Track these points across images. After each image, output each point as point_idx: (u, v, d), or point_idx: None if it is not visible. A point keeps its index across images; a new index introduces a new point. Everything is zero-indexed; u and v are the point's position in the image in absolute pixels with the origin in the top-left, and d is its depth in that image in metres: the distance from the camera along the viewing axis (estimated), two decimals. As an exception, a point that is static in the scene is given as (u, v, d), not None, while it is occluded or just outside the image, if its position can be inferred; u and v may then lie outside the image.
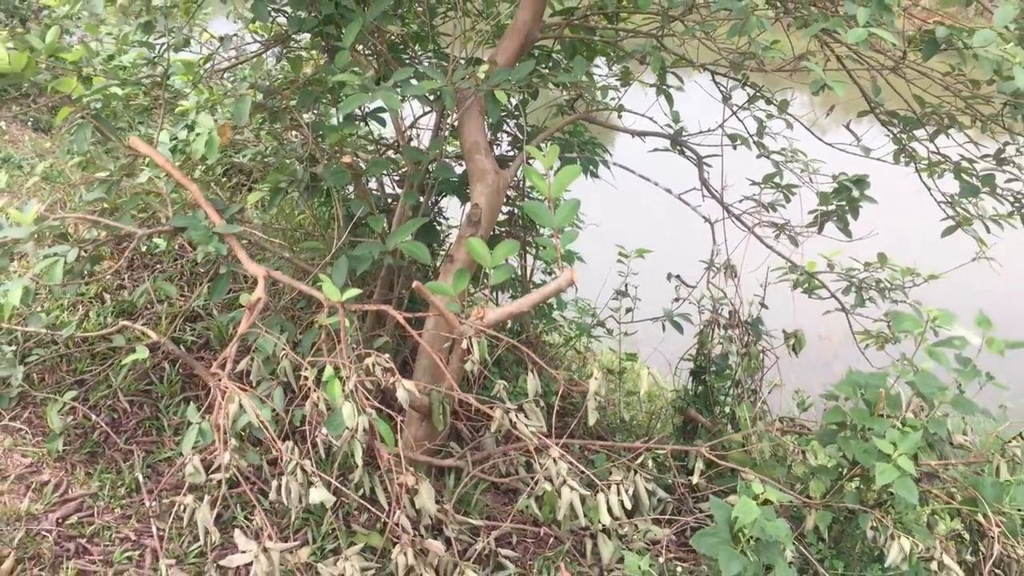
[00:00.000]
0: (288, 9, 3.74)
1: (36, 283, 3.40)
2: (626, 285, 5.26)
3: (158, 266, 4.93)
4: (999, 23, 3.04)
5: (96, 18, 3.83)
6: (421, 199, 4.19)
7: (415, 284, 3.04)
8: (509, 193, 4.61)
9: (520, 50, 3.81)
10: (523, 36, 3.78)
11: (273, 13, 3.73)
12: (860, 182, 4.65)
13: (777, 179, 4.79)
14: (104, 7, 3.44)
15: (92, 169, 4.15)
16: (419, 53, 4.39)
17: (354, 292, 3.02)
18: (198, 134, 3.53)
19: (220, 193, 5.16)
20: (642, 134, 4.67)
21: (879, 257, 4.80)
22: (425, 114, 4.71)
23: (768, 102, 4.64)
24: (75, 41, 6.50)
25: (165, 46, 3.96)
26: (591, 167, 4.67)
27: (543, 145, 4.09)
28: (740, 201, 4.85)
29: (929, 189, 4.51)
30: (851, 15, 3.13)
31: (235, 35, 4.42)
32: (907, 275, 4.75)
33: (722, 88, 4.73)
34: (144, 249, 4.94)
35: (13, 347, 3.96)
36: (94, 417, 3.92)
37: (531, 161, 3.95)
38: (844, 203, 4.68)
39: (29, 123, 8.10)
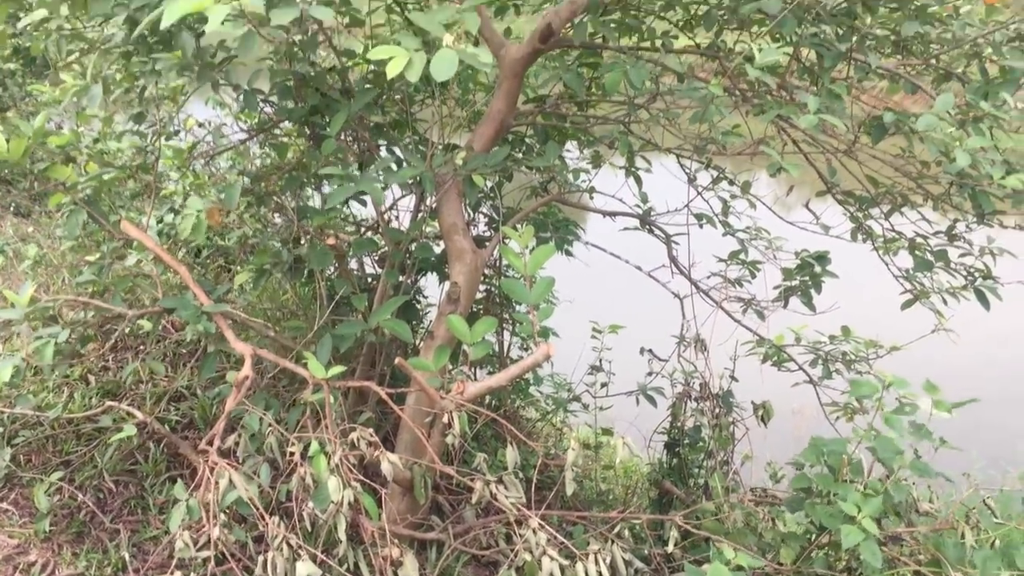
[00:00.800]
0: (275, 99, 3.92)
1: (26, 363, 3.49)
2: (600, 360, 5.41)
3: (141, 347, 5.03)
4: (940, 109, 3.27)
5: (80, 106, 3.98)
6: (402, 278, 4.34)
7: (397, 361, 3.17)
8: (486, 271, 4.77)
9: (495, 136, 4.01)
10: (498, 123, 3.98)
11: (260, 103, 3.91)
12: (821, 258, 4.86)
13: (742, 256, 4.99)
14: (99, 103, 3.58)
15: (83, 252, 4.27)
16: (399, 138, 4.59)
17: (339, 369, 3.15)
18: (186, 216, 3.67)
19: (205, 275, 5.28)
20: (612, 214, 4.87)
21: (843, 330, 4.98)
22: (404, 196, 4.89)
23: (731, 183, 4.87)
24: (55, 127, 6.68)
25: (155, 135, 4.13)
26: (565, 245, 4.85)
27: (519, 225, 4.26)
28: (708, 277, 5.04)
29: (887, 264, 4.72)
30: (804, 103, 3.37)
31: (223, 124, 4.60)
32: (870, 347, 4.91)
33: (687, 170, 4.95)
34: (128, 331, 5.04)
35: (0, 429, 4.02)
36: (80, 497, 3.97)
37: (507, 241, 4.12)
38: (807, 278, 4.88)
39: (10, 208, 8.22)
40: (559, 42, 3.85)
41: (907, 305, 4.70)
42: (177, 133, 4.28)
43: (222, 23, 1.89)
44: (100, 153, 4.58)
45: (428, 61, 2.12)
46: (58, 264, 5.19)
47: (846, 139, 4.01)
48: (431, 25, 2.21)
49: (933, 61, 4.13)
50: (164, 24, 1.87)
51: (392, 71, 2.10)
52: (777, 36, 3.73)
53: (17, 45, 7.25)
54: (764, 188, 5.06)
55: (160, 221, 4.71)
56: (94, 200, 3.76)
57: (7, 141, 3.51)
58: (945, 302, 4.59)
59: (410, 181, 3.58)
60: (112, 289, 3.93)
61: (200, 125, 5.28)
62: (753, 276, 5.13)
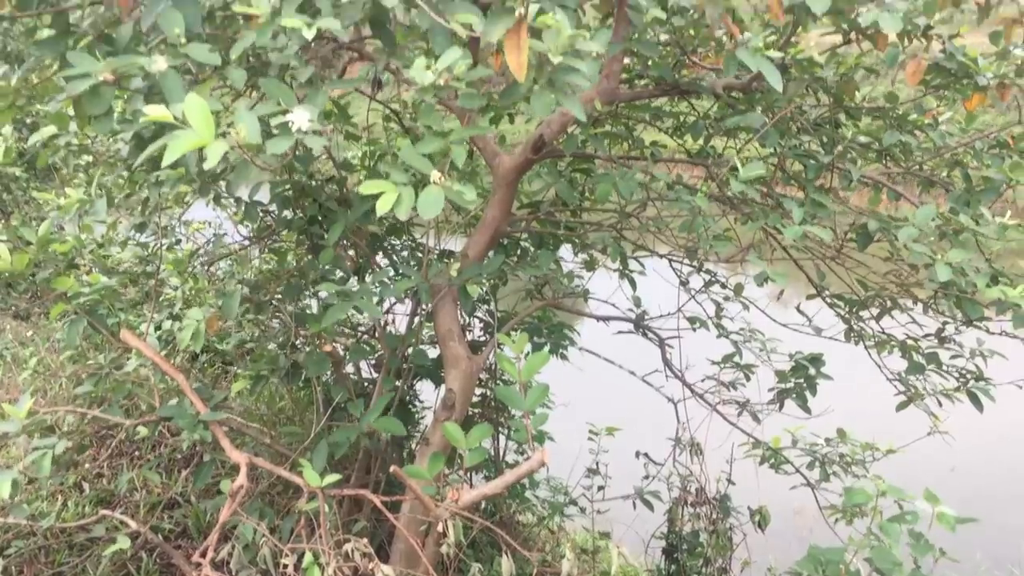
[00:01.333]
0: (274, 209, 4.02)
1: (24, 475, 3.49)
2: (597, 463, 5.40)
3: (137, 453, 5.02)
4: (920, 221, 3.36)
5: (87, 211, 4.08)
6: (398, 383, 4.37)
7: (392, 469, 3.17)
8: (482, 376, 4.80)
9: (490, 243, 4.09)
10: (492, 230, 4.07)
11: (260, 212, 4.00)
12: (816, 360, 4.90)
13: (736, 359, 5.03)
14: (103, 216, 3.68)
15: (82, 361, 4.31)
16: (395, 247, 4.67)
17: (334, 477, 3.15)
18: (186, 325, 3.72)
19: (203, 380, 5.31)
20: (607, 319, 4.94)
21: (838, 433, 4.99)
22: (400, 301, 4.95)
23: (723, 286, 4.94)
24: (57, 228, 6.77)
25: (157, 242, 4.21)
26: (560, 350, 4.89)
27: (513, 332, 4.31)
28: (702, 380, 5.07)
29: (880, 367, 4.75)
30: (790, 210, 3.46)
31: (224, 233, 4.70)
32: (867, 449, 4.92)
33: (679, 274, 5.04)
34: (124, 436, 5.04)
35: (-7, 539, 4.01)
36: (72, 609, 3.93)
37: (502, 348, 4.17)
38: (802, 380, 4.91)
39: (10, 310, 8.28)
40: (551, 152, 3.96)
41: (902, 407, 4.72)
42: (179, 242, 4.37)
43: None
44: (103, 258, 4.67)
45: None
46: (56, 370, 5.23)
47: (833, 245, 4.09)
48: (418, 162, 2.29)
49: (916, 168, 4.25)
50: (166, 163, 1.95)
51: (382, 208, 2.17)
52: (762, 145, 3.84)
53: (22, 150, 7.45)
54: (757, 290, 5.12)
55: (159, 327, 4.76)
56: (94, 309, 3.81)
57: (11, 250, 3.60)
58: (940, 404, 4.61)
59: (406, 292, 3.64)
60: (110, 397, 3.96)
61: (200, 229, 5.38)
62: (748, 379, 5.16)
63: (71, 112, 3.35)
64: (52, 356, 5.51)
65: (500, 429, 5.16)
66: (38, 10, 2.54)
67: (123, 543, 3.49)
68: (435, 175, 2.25)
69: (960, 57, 3.63)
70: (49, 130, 3.44)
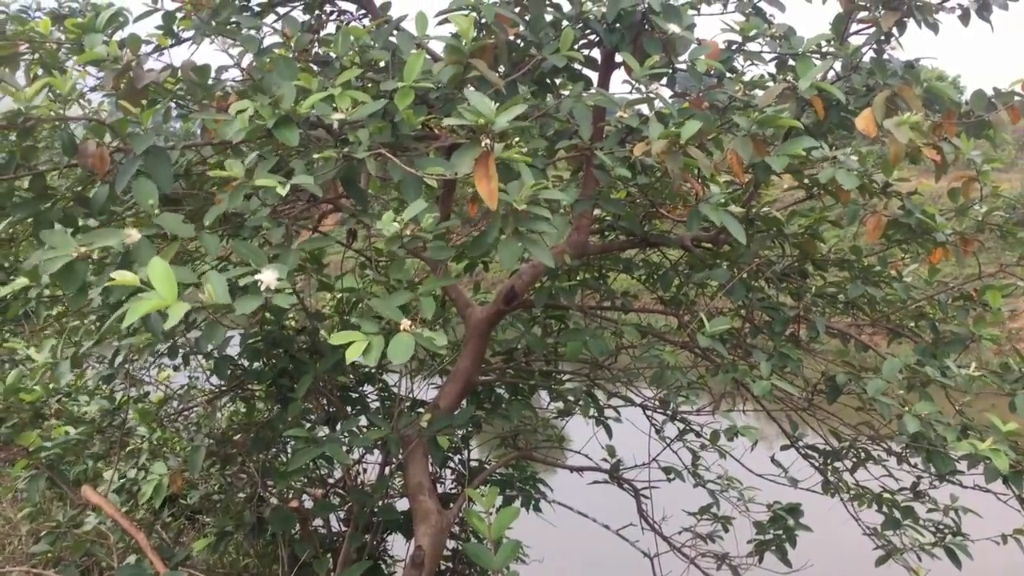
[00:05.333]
0: (245, 361, 4.00)
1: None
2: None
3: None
4: (887, 374, 3.39)
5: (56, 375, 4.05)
6: (367, 538, 4.27)
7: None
8: (454, 529, 4.69)
9: (462, 393, 4.07)
10: (464, 381, 4.05)
11: (231, 366, 3.98)
12: (794, 511, 4.83)
13: (713, 509, 4.96)
14: (68, 378, 3.65)
15: (41, 518, 4.19)
16: (367, 392, 4.64)
17: (296, 640, 3.03)
18: (149, 480, 3.65)
19: (164, 535, 5.15)
20: (581, 469, 4.88)
21: (824, 585, 4.88)
22: (370, 452, 4.88)
23: (698, 435, 4.91)
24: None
25: (125, 395, 4.17)
26: (533, 503, 4.81)
27: (483, 486, 4.25)
28: (679, 532, 4.97)
29: (856, 520, 4.68)
30: (758, 363, 3.48)
31: (192, 386, 4.66)
32: (852, 603, 4.80)
33: (654, 422, 5.01)
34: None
35: None
36: None
37: (473, 502, 4.09)
38: (781, 532, 4.82)
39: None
40: (522, 303, 4.00)
41: (881, 561, 4.63)
42: (147, 395, 4.32)
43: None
44: (69, 409, 4.60)
45: (387, 343, 2.21)
46: (16, 523, 5.07)
47: (804, 397, 4.10)
48: (389, 311, 2.32)
49: (882, 319, 4.31)
50: (127, 323, 1.95)
51: (351, 356, 2.18)
52: (729, 299, 3.89)
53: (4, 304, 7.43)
54: (733, 439, 5.10)
55: (124, 477, 4.65)
56: (57, 464, 3.73)
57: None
58: (919, 558, 4.53)
59: (376, 442, 3.60)
60: (67, 556, 3.83)
61: (167, 379, 5.32)
62: (726, 530, 5.07)
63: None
64: (13, 508, 5.34)
65: (473, 584, 5.00)
66: (15, 174, 2.58)
67: None
68: (405, 323, 2.27)
69: (918, 214, 3.73)
70: (21, 282, 3.44)
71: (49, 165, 2.64)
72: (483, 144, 2.26)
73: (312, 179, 2.35)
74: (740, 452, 4.99)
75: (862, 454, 4.46)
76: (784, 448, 4.73)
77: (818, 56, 3.70)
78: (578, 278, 4.61)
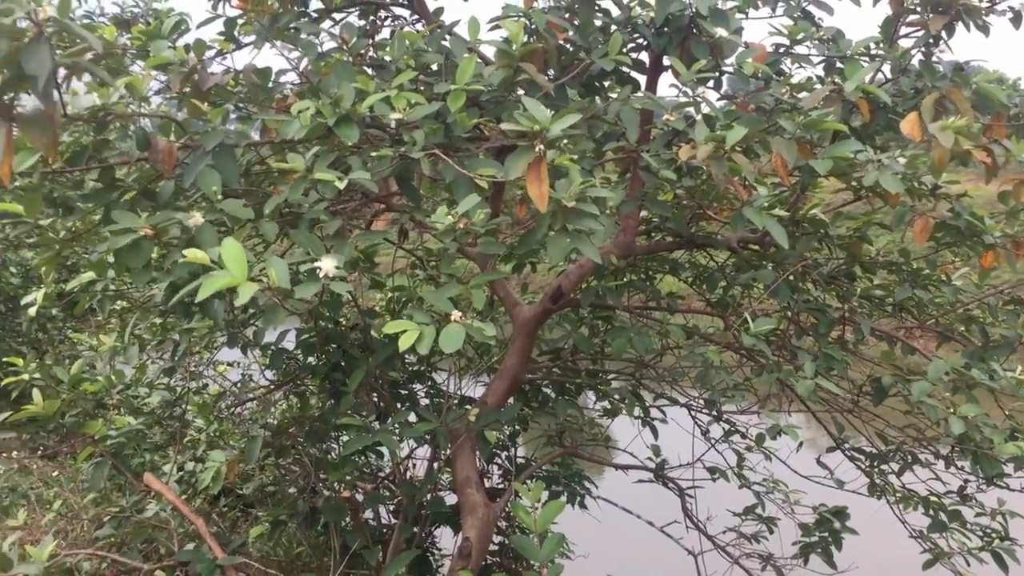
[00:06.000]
0: (300, 355, 4.13)
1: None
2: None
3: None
4: (932, 376, 3.39)
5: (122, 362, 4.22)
6: (415, 530, 4.37)
7: (405, 618, 3.16)
8: (500, 523, 4.78)
9: (509, 390, 4.16)
10: (511, 378, 4.14)
11: (285, 360, 4.12)
12: (840, 513, 4.82)
13: (758, 510, 4.97)
14: (135, 362, 3.80)
15: (105, 504, 4.36)
16: (417, 389, 4.75)
17: (346, 625, 3.14)
18: (207, 467, 3.79)
19: (221, 524, 5.31)
20: (626, 467, 4.93)
21: (867, 587, 4.87)
22: (419, 446, 4.99)
23: (743, 436, 4.94)
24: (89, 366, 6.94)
25: (184, 387, 4.32)
26: (578, 498, 4.88)
27: (529, 481, 4.33)
28: (723, 532, 4.99)
29: (903, 523, 4.67)
30: (802, 364, 3.51)
31: (249, 377, 4.81)
32: (898, 608, 4.79)
33: (699, 423, 5.05)
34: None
35: None
36: None
37: (519, 497, 4.17)
38: (827, 534, 4.82)
39: (39, 450, 8.35)
40: (569, 302, 4.07)
41: (928, 565, 4.61)
42: (206, 386, 4.47)
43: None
44: (131, 400, 4.77)
45: (438, 334, 2.30)
46: (79, 511, 5.26)
47: (849, 398, 4.12)
48: (440, 302, 2.41)
49: (931, 323, 4.31)
50: (200, 298, 2.07)
51: (404, 344, 2.28)
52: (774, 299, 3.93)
53: (60, 291, 7.72)
54: (779, 440, 5.11)
55: (181, 469, 4.81)
56: (120, 452, 3.89)
57: (42, 391, 3.71)
58: (967, 562, 4.51)
59: (425, 437, 3.70)
60: (130, 541, 3.98)
61: (225, 372, 5.48)
62: (771, 531, 5.08)
63: (110, 259, 3.53)
64: (76, 497, 5.54)
65: (518, 578, 5.08)
66: (87, 165, 2.72)
67: None
68: (455, 314, 2.36)
69: (966, 216, 3.73)
70: (88, 276, 3.60)
71: (117, 159, 2.77)
72: (536, 150, 2.35)
73: (369, 175, 2.45)
74: (785, 454, 5.01)
75: (909, 457, 4.45)
76: (830, 450, 4.73)
77: (866, 59, 3.74)
78: (624, 279, 4.68)
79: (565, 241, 2.45)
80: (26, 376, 3.71)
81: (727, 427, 4.96)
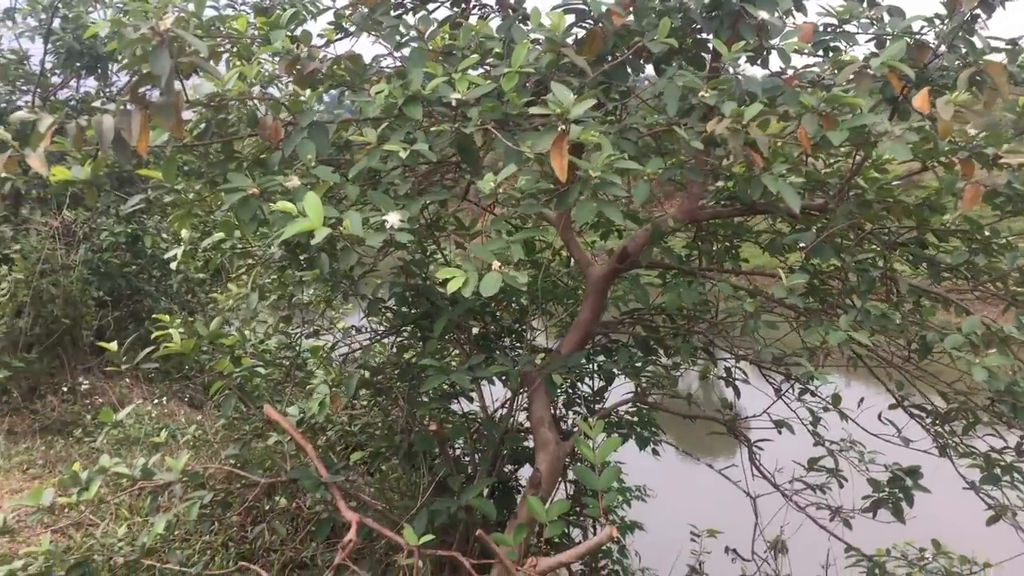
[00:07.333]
0: (394, 306, 4.70)
1: (177, 519, 4.19)
2: (700, 563, 5.67)
3: (276, 521, 5.67)
4: (966, 331, 3.65)
5: (250, 312, 4.86)
6: (495, 464, 4.89)
7: (478, 533, 3.67)
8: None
9: (581, 342, 4.61)
10: (583, 332, 4.59)
11: (384, 310, 4.69)
12: (913, 473, 5.04)
13: (828, 464, 5.23)
14: (257, 304, 4.43)
15: (233, 431, 5.06)
16: (506, 343, 5.25)
17: (428, 537, 3.67)
18: (314, 399, 4.41)
19: (335, 459, 5.98)
20: (696, 417, 5.29)
21: (933, 544, 5.09)
22: (514, 396, 5.48)
23: (812, 394, 5.21)
24: (232, 330, 7.77)
25: (299, 335, 4.97)
26: (649, 444, 5.29)
27: (591, 420, 4.77)
28: (790, 482, 5.29)
29: (964, 478, 4.86)
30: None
31: (355, 328, 5.42)
32: (964, 563, 5.00)
33: (772, 381, 5.35)
34: (267, 508, 5.71)
35: (151, 583, 4.70)
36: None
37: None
38: (897, 491, 5.04)
39: (185, 400, 9.32)
40: (634, 263, 4.47)
41: (992, 521, 4.80)
42: (318, 335, 5.10)
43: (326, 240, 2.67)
44: (263, 352, 5.46)
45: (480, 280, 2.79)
46: (211, 442, 6.03)
47: (895, 354, 4.37)
48: (485, 255, 2.89)
49: (987, 286, 4.49)
50: (286, 236, 2.63)
51: (452, 287, 2.77)
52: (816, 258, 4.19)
53: (208, 258, 8.63)
54: (845, 398, 5.35)
55: (301, 412, 5.47)
56: (244, 386, 4.54)
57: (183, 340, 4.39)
58: (1030, 517, 4.67)
59: (499, 378, 4.19)
60: (251, 461, 4.65)
61: (343, 330, 6.13)
62: (841, 485, 5.34)
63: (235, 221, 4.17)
64: (209, 422, 6.33)
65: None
66: (210, 140, 3.33)
67: (255, 580, 4.10)
68: (496, 264, 2.83)
69: (1016, 185, 3.91)
70: (218, 236, 4.25)
71: (235, 134, 3.36)
72: (560, 128, 2.80)
73: (427, 146, 2.96)
74: (855, 415, 5.24)
75: (971, 416, 4.63)
76: (891, 407, 4.96)
77: (912, 36, 3.96)
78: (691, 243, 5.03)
79: (592, 205, 2.89)
80: (172, 331, 4.38)
81: (797, 385, 5.24)
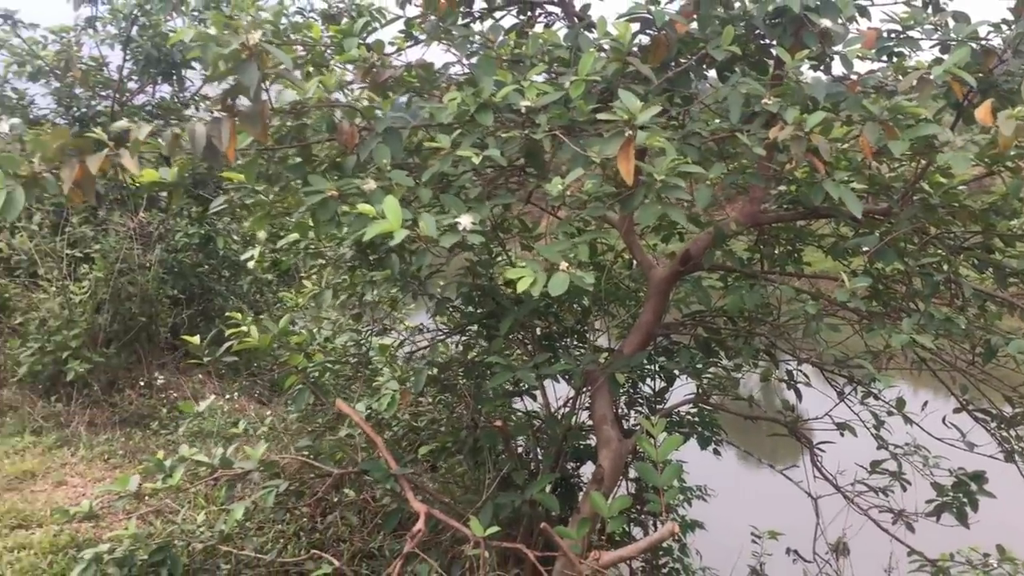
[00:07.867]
0: (461, 305, 4.85)
1: (254, 506, 4.38)
2: (761, 564, 5.71)
3: (347, 514, 5.86)
4: (1030, 335, 3.66)
5: (318, 311, 5.06)
6: (560, 462, 5.00)
7: (542, 526, 3.79)
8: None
9: (643, 343, 4.69)
10: (645, 333, 4.67)
11: (451, 309, 4.84)
12: (978, 478, 5.02)
13: (891, 468, 5.23)
14: (328, 303, 4.61)
15: (306, 423, 5.25)
16: (568, 343, 5.36)
17: (494, 529, 3.80)
18: (382, 395, 4.57)
19: (402, 453, 6.16)
20: (758, 418, 5.34)
21: (998, 550, 5.06)
22: (578, 394, 5.59)
23: (876, 398, 5.22)
24: (300, 328, 8.00)
25: (369, 332, 5.14)
26: (712, 445, 5.35)
27: (653, 418, 4.85)
28: (851, 484, 5.30)
29: (1027, 480, 4.84)
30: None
31: (422, 326, 5.58)
32: (1030, 569, 4.97)
33: (834, 384, 5.37)
34: (336, 500, 5.90)
35: (228, 566, 4.90)
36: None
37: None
38: (961, 495, 5.03)
39: (255, 395, 9.59)
40: (696, 266, 4.54)
41: (1058, 525, 4.78)
42: (387, 332, 5.26)
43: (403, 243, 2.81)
44: (331, 349, 5.65)
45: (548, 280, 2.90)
46: (284, 434, 6.24)
47: (960, 358, 4.37)
48: (552, 255, 3.01)
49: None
50: (367, 237, 2.78)
51: (521, 287, 2.89)
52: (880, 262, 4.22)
53: (276, 259, 8.92)
54: (909, 403, 5.35)
55: (369, 407, 5.65)
56: (317, 381, 4.72)
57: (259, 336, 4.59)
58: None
59: (563, 376, 4.30)
60: (324, 453, 4.83)
61: (411, 329, 6.30)
62: (904, 488, 5.33)
63: (310, 222, 4.34)
64: (284, 428, 6.56)
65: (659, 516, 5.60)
66: (289, 144, 3.50)
67: (327, 568, 4.26)
68: (563, 264, 2.94)
69: (1083, 193, 3.91)
70: (292, 236, 4.44)
71: (313, 139, 3.53)
72: (626, 134, 2.90)
73: (499, 152, 3.08)
74: (918, 419, 5.23)
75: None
76: (956, 411, 4.95)
77: (979, 42, 3.97)
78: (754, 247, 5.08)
79: (656, 207, 2.99)
80: (244, 328, 4.57)
81: (861, 389, 5.25)
